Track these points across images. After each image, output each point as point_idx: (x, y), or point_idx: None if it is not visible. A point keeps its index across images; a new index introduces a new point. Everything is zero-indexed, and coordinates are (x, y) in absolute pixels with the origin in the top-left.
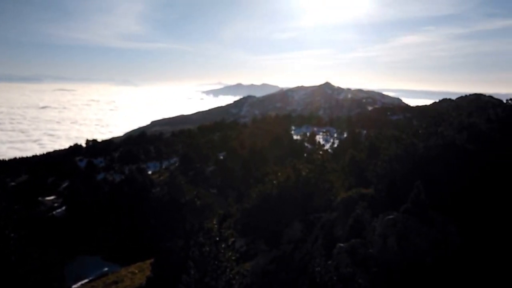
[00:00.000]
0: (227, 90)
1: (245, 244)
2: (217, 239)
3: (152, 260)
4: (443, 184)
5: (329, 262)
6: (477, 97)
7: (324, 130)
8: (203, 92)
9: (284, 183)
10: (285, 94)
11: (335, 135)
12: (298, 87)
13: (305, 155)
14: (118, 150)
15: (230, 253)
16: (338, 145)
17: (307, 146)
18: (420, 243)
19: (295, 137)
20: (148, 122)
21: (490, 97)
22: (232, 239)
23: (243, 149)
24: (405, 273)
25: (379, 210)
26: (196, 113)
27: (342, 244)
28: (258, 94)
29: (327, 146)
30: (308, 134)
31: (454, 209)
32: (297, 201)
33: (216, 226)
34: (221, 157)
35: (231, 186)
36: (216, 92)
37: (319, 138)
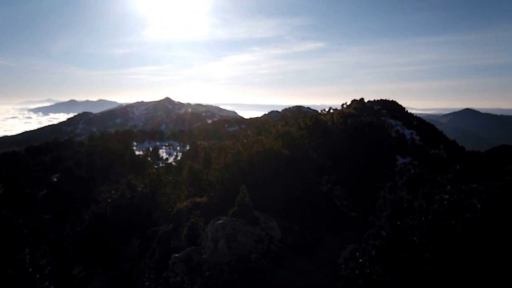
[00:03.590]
0: (58, 107)
1: (83, 269)
2: (30, 269)
3: None
4: (264, 186)
5: (165, 274)
6: (298, 108)
7: (167, 144)
8: (30, 110)
9: (119, 200)
10: (125, 110)
11: (178, 148)
12: (138, 102)
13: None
14: None
15: (47, 283)
16: (181, 157)
17: (150, 161)
18: (246, 241)
19: (137, 152)
20: None
21: (308, 108)
22: (49, 268)
23: (81, 169)
24: (234, 271)
25: (212, 217)
26: (22, 133)
27: (177, 254)
28: (95, 110)
29: (171, 159)
30: (151, 149)
31: (274, 206)
32: (134, 217)
33: (28, 256)
34: (55, 179)
35: (69, 209)
36: (45, 110)
37: (163, 152)
